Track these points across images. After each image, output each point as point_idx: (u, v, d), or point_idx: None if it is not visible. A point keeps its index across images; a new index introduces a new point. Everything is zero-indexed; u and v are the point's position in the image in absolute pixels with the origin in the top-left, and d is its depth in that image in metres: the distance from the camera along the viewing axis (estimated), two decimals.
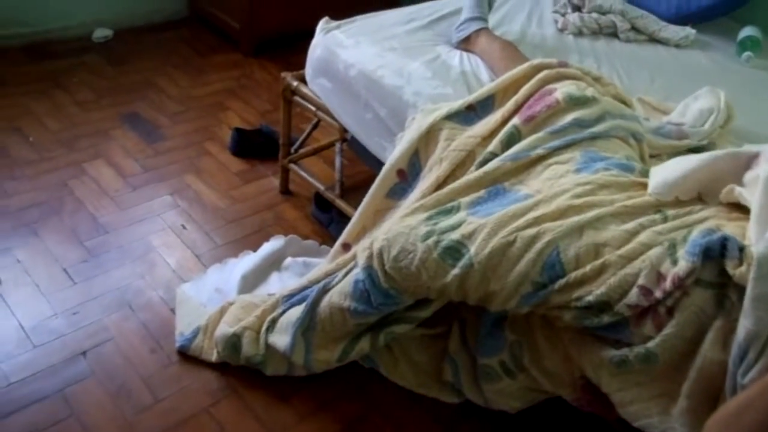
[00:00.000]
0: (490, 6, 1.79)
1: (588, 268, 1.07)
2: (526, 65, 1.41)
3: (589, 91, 1.33)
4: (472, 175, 1.28)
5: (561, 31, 1.94)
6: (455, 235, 1.17)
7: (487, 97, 1.41)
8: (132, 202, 1.89)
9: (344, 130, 1.67)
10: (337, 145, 1.81)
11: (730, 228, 1.03)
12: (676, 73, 1.79)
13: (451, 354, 1.40)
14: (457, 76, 1.58)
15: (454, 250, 1.16)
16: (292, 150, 1.94)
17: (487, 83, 1.59)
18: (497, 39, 1.69)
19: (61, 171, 1.98)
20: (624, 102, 1.39)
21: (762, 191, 1.01)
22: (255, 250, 1.74)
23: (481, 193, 1.26)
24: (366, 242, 1.32)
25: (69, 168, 2.00)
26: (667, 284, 1.00)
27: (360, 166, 1.97)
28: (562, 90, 1.32)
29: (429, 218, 1.23)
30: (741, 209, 1.09)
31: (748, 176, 1.09)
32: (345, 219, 1.80)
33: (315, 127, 1.90)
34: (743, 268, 0.93)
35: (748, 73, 1.85)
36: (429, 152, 1.42)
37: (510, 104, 1.37)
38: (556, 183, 1.20)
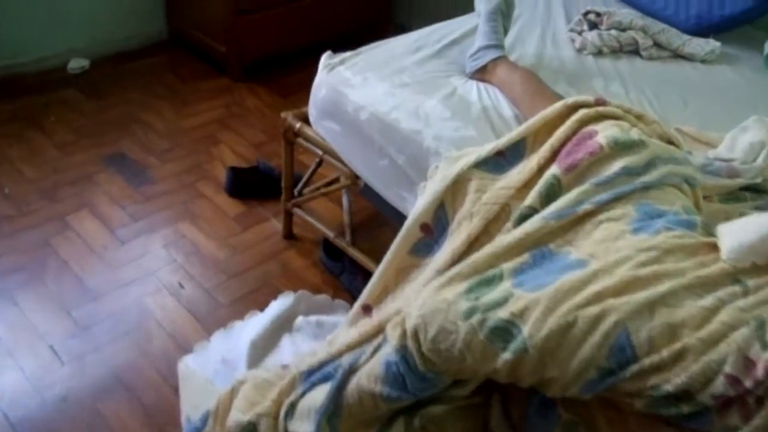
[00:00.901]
0: (506, 31, 1.65)
1: (664, 353, 0.93)
2: (559, 104, 1.26)
3: (634, 133, 1.19)
4: (511, 235, 1.13)
5: (579, 51, 1.80)
6: (503, 313, 1.03)
7: (517, 141, 1.26)
8: (122, 260, 1.73)
9: (355, 176, 1.52)
10: (344, 192, 1.66)
11: None
12: (707, 94, 1.65)
13: (493, 429, 1.25)
14: (478, 113, 1.44)
15: (504, 331, 1.02)
16: (295, 192, 1.79)
17: (510, 119, 1.45)
18: (517, 69, 1.54)
19: (43, 227, 1.81)
20: (671, 142, 1.25)
21: None
22: (262, 310, 1.59)
23: (525, 257, 1.12)
24: (396, 317, 1.17)
25: (51, 223, 1.83)
26: (759, 372, 0.86)
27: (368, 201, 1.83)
28: (604, 133, 1.18)
29: (469, 290, 1.09)
30: None
31: None
32: (358, 268, 1.66)
33: (318, 165, 1.74)
34: None
35: None
36: (456, 205, 1.27)
37: (545, 149, 1.23)
38: (612, 246, 1.06)
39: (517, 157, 1.26)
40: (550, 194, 1.17)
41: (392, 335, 1.14)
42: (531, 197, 1.18)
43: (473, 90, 1.53)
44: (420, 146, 1.35)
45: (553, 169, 1.18)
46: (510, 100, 1.51)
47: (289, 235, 1.85)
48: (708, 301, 0.95)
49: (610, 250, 1.05)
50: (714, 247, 1.04)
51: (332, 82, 1.50)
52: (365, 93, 1.45)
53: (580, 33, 1.85)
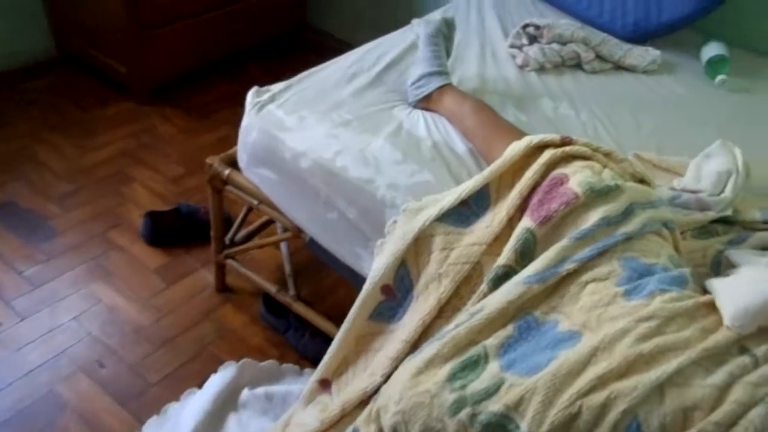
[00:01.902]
0: (448, 54, 1.51)
1: None
2: (523, 144, 1.14)
3: (607, 176, 1.09)
4: (492, 305, 1.00)
5: (521, 68, 1.70)
6: (496, 406, 0.90)
7: (481, 188, 1.14)
8: (23, 338, 1.47)
9: (298, 229, 1.35)
10: (283, 246, 1.48)
11: None
12: (657, 109, 1.59)
13: None
14: (430, 152, 1.30)
15: (499, 428, 0.89)
16: (227, 240, 1.59)
17: (464, 156, 1.32)
18: (466, 99, 1.41)
19: None
20: (642, 180, 1.17)
21: None
22: (200, 386, 1.39)
23: (509, 330, 0.99)
24: (368, 408, 1.02)
25: None
26: None
27: None
28: (577, 179, 1.07)
29: (452, 376, 0.95)
30: None
31: None
32: (305, 323, 1.49)
33: (249, 212, 1.56)
34: None
35: (728, 99, 1.70)
36: (420, 264, 1.13)
37: (514, 197, 1.11)
38: (605, 314, 0.95)
39: (482, 206, 1.14)
40: (526, 250, 1.06)
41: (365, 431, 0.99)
42: (506, 255, 1.06)
43: (420, 122, 1.39)
44: (373, 197, 1.19)
45: (526, 222, 1.07)
46: (461, 132, 1.38)
47: (222, 287, 1.65)
48: (719, 377, 0.86)
49: (604, 319, 0.95)
50: (711, 307, 0.95)
51: (264, 125, 1.31)
52: (304, 136, 1.28)
53: (520, 48, 1.75)
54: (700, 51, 1.86)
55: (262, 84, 1.41)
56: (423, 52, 1.47)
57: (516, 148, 1.15)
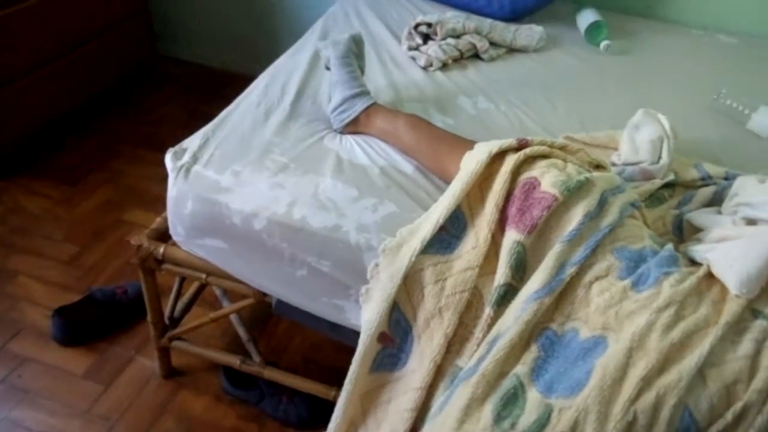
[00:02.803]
0: (362, 71, 1.44)
1: (728, 416, 0.86)
2: (483, 157, 1.10)
3: (573, 171, 1.09)
4: (509, 331, 0.97)
5: (425, 69, 1.67)
6: None
7: (456, 215, 1.10)
8: None
9: (261, 294, 1.22)
10: (234, 317, 1.35)
11: None
12: (563, 87, 1.64)
13: None
14: (381, 179, 1.23)
15: None
16: (166, 319, 1.41)
17: (414, 175, 1.27)
18: (397, 115, 1.35)
19: None
20: (599, 165, 1.19)
21: None
22: None
23: (534, 351, 0.97)
24: None
25: None
26: None
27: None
28: (548, 181, 1.05)
29: (498, 417, 0.91)
30: None
31: None
32: (279, 387, 1.38)
33: (183, 281, 1.39)
34: None
35: (616, 62, 1.79)
36: (415, 302, 1.07)
37: (491, 212, 1.07)
38: (620, 312, 0.95)
39: (460, 227, 1.10)
40: (519, 264, 1.03)
41: None
42: (503, 273, 1.02)
43: (356, 149, 1.31)
44: (346, 245, 1.10)
45: (514, 235, 1.04)
46: (400, 150, 1.32)
47: (169, 372, 1.47)
48: (747, 347, 0.90)
49: (622, 317, 0.95)
50: (710, 278, 0.99)
51: (198, 191, 1.16)
52: (247, 194, 1.15)
53: (417, 48, 1.72)
54: (575, 20, 1.95)
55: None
56: (338, 74, 1.38)
57: (477, 160, 1.11)
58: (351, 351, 1.08)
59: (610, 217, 1.04)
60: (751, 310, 0.93)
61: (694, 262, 1.06)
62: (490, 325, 1.03)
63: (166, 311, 1.41)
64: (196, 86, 2.69)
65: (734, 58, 1.87)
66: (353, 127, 1.37)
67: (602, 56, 1.82)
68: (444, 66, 1.69)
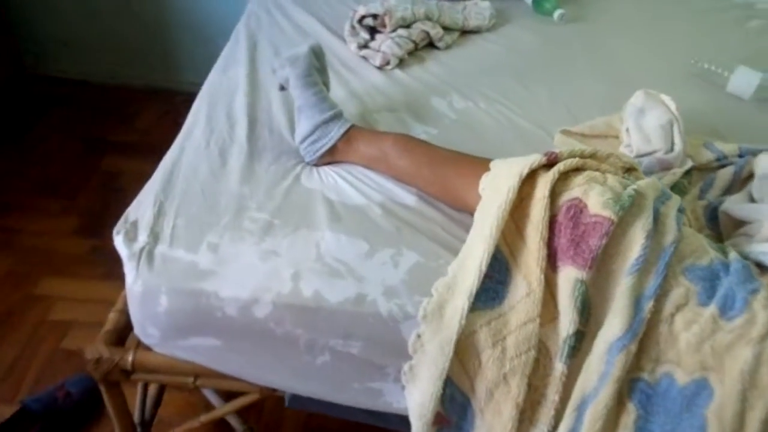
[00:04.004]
0: (327, 87, 1.21)
1: None
2: (512, 180, 0.93)
3: (615, 183, 0.94)
4: (600, 394, 0.83)
5: (381, 68, 1.47)
6: None
7: (496, 256, 0.92)
8: None
9: (270, 389, 0.99)
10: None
11: None
12: (535, 69, 1.49)
13: None
14: (386, 221, 1.03)
15: None
16: (138, 426, 1.14)
17: (419, 206, 1.08)
18: (382, 137, 1.15)
19: None
20: (633, 167, 1.05)
21: None
22: None
23: (631, 411, 0.83)
24: None
25: None
26: None
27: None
28: (596, 201, 0.89)
29: None
30: None
31: None
32: None
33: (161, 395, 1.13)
34: None
35: (574, 31, 1.67)
36: (471, 372, 0.90)
37: (538, 248, 0.90)
38: (717, 346, 0.82)
39: (503, 271, 0.93)
40: (584, 305, 0.88)
41: None
42: (570, 320, 0.87)
43: (341, 185, 1.10)
44: (376, 318, 0.90)
45: (572, 272, 0.88)
46: (392, 177, 1.13)
47: None
48: None
49: (719, 352, 0.83)
50: None
51: (172, 282, 0.90)
52: (237, 274, 0.91)
53: (367, 46, 1.50)
54: None
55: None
56: (303, 97, 1.15)
57: (507, 187, 0.94)
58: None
59: (670, 233, 0.91)
60: None
61: (759, 265, 0.96)
62: (566, 384, 0.88)
63: (135, 415, 1.15)
64: (84, 107, 2.30)
65: (702, 20, 1.80)
66: (330, 157, 1.15)
67: (559, 27, 1.69)
68: (401, 62, 1.49)
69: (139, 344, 1.00)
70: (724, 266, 0.91)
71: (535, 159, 0.96)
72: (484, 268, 0.90)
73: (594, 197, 0.91)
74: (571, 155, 0.98)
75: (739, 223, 1.07)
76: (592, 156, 1.01)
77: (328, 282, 0.91)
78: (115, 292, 1.06)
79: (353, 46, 1.50)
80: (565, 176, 0.95)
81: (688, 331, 0.85)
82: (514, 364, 0.88)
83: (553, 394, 0.88)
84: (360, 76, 1.44)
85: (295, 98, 1.16)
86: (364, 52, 1.49)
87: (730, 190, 1.16)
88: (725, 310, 0.85)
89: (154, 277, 0.91)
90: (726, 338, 0.83)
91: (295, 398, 0.99)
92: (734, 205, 1.08)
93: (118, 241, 0.94)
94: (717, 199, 1.13)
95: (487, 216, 0.95)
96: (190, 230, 0.97)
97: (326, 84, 1.21)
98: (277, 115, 1.27)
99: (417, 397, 0.90)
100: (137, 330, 0.96)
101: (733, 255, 0.93)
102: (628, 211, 0.89)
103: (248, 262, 0.93)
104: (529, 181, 0.95)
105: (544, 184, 0.93)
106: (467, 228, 1.00)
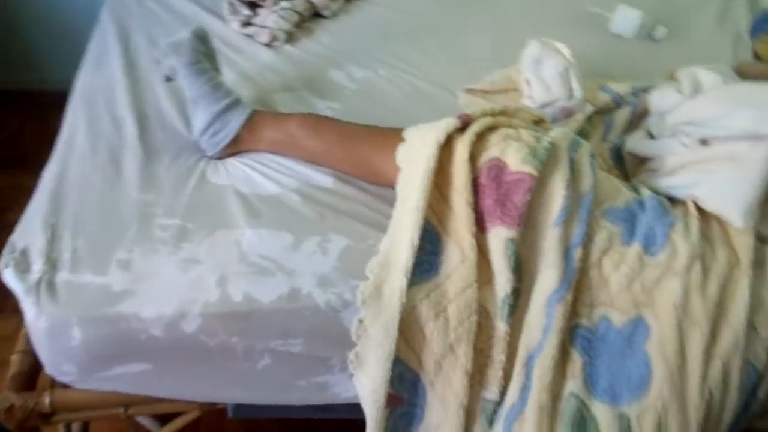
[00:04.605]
0: (218, 73, 1.12)
1: None
2: (430, 148, 0.91)
3: (528, 138, 0.95)
4: (545, 347, 0.84)
5: (269, 45, 1.39)
6: None
7: (425, 227, 0.90)
8: None
9: (210, 404, 0.92)
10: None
11: None
12: (425, 30, 1.47)
13: None
14: (306, 208, 0.98)
15: None
16: None
17: (336, 186, 1.04)
18: (286, 118, 1.09)
19: None
20: (541, 119, 1.06)
21: None
22: None
23: (576, 358, 0.85)
24: None
25: None
26: None
27: None
28: (514, 158, 0.89)
29: None
30: None
31: None
32: None
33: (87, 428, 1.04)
34: None
35: None
36: (416, 347, 0.89)
37: (464, 212, 0.90)
38: (646, 283, 0.86)
39: (434, 241, 0.92)
40: (518, 263, 0.89)
41: None
42: (506, 279, 0.88)
43: (251, 175, 1.04)
44: (314, 311, 0.86)
45: (502, 232, 0.88)
46: (304, 160, 1.07)
47: None
48: None
49: (649, 288, 0.87)
50: (702, 214, 0.94)
51: (82, 311, 0.81)
52: (156, 290, 0.83)
53: (250, 23, 1.42)
54: None
55: None
56: (195, 87, 1.06)
57: (426, 155, 0.92)
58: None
59: (587, 179, 0.93)
60: (759, 238, 0.91)
61: (670, 199, 1.00)
62: (510, 343, 0.89)
63: None
64: None
65: None
66: (234, 148, 1.08)
67: None
68: (289, 36, 1.42)
69: (54, 383, 0.90)
70: (640, 204, 0.94)
71: (450, 123, 0.94)
72: (416, 242, 0.88)
73: (512, 154, 0.91)
74: (483, 114, 0.97)
75: (643, 160, 1.12)
76: (503, 113, 1.01)
77: (258, 282, 0.86)
78: (10, 327, 0.95)
79: (235, 25, 1.41)
80: (480, 137, 0.94)
81: (617, 272, 0.88)
82: (459, 332, 0.87)
83: (498, 355, 0.89)
84: (248, 56, 1.35)
85: (187, 89, 1.07)
86: (248, 29, 1.40)
87: (629, 129, 1.21)
88: (648, 246, 0.89)
89: (60, 309, 0.81)
90: (653, 273, 0.87)
91: (239, 407, 0.94)
92: (637, 143, 1.13)
93: (8, 275, 0.83)
94: (619, 139, 1.17)
95: (410, 187, 0.93)
96: (94, 250, 0.88)
97: (217, 69, 1.12)
98: (167, 110, 1.17)
99: (367, 382, 0.87)
100: (49, 369, 0.87)
101: (646, 192, 0.97)
102: (546, 163, 0.90)
103: (167, 275, 0.85)
104: (446, 146, 0.93)
105: (462, 147, 0.92)
106: (391, 203, 0.97)
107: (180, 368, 0.87)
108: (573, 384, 0.83)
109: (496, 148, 0.93)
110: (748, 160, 0.91)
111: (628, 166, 1.14)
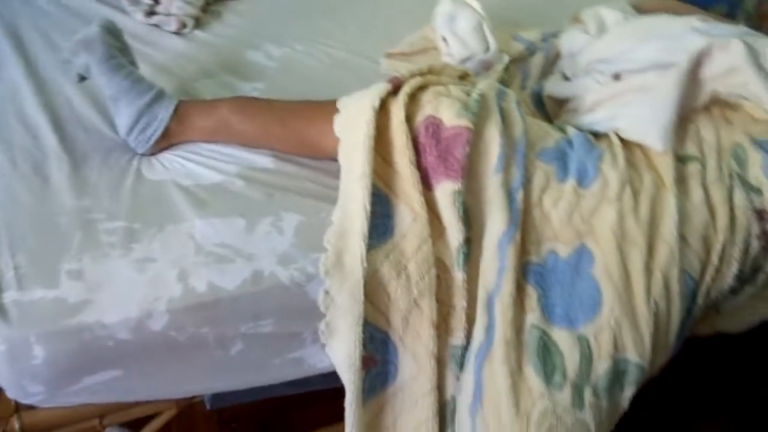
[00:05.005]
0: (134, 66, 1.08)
1: (715, 260, 0.93)
2: (366, 114, 0.93)
3: (458, 93, 0.98)
4: (502, 284, 0.89)
5: (178, 33, 1.34)
6: (603, 365, 0.86)
7: (374, 192, 0.92)
8: None
9: (187, 399, 0.92)
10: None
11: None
12: (333, 2, 1.47)
13: None
14: (252, 191, 0.97)
15: (617, 377, 0.86)
16: None
17: (276, 167, 1.04)
18: (214, 104, 1.07)
19: None
20: (465, 73, 1.09)
21: None
22: None
23: (531, 292, 0.91)
24: None
25: None
26: None
27: None
28: (449, 113, 0.93)
29: (546, 376, 0.85)
30: None
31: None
32: None
33: None
34: None
35: None
36: (382, 308, 0.92)
37: (408, 172, 0.92)
38: (584, 214, 0.93)
39: (385, 204, 0.94)
40: (466, 213, 0.93)
41: None
42: (458, 230, 0.92)
43: (188, 167, 1.02)
44: (280, 289, 0.87)
45: (448, 186, 0.92)
46: (240, 144, 1.06)
47: None
48: (697, 194, 0.96)
49: (587, 218, 0.94)
50: (624, 144, 1.01)
51: (40, 328, 0.77)
52: (116, 294, 0.81)
53: (154, 12, 1.36)
54: None
55: None
56: (113, 84, 1.02)
57: (365, 121, 0.93)
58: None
59: (518, 125, 0.98)
60: (678, 159, 0.99)
61: (593, 134, 1.07)
62: (469, 289, 0.94)
63: None
64: None
65: None
66: (165, 142, 1.05)
67: None
68: (197, 22, 1.38)
69: (18, 406, 0.87)
70: (568, 143, 1.00)
71: (382, 88, 0.96)
72: (368, 207, 0.90)
73: (446, 110, 0.94)
74: (412, 75, 1.00)
75: (562, 102, 1.18)
76: (430, 71, 1.04)
77: (219, 270, 0.86)
78: None
79: (139, 16, 1.35)
80: (412, 97, 0.97)
81: (557, 207, 0.94)
82: (421, 286, 0.91)
83: (460, 302, 0.93)
84: (159, 46, 1.30)
85: (105, 87, 1.03)
86: (153, 19, 1.35)
87: (545, 74, 1.27)
88: (581, 179, 0.95)
89: (15, 329, 0.78)
90: (589, 204, 0.94)
91: (216, 397, 0.94)
92: (554, 86, 1.19)
93: None
94: (537, 85, 1.23)
95: (353, 156, 0.95)
96: (39, 265, 0.84)
97: (133, 63, 1.08)
98: (83, 111, 1.11)
99: (340, 349, 0.90)
100: (12, 393, 0.83)
101: (571, 131, 1.03)
102: (478, 115, 0.94)
103: (124, 278, 0.83)
104: (381, 111, 0.95)
105: (397, 109, 0.95)
106: (334, 175, 0.99)
107: (152, 368, 0.85)
108: (532, 316, 0.89)
109: (429, 106, 0.96)
110: (658, 88, 0.99)
111: (549, 110, 1.21)
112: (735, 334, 1.13)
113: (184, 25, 1.34)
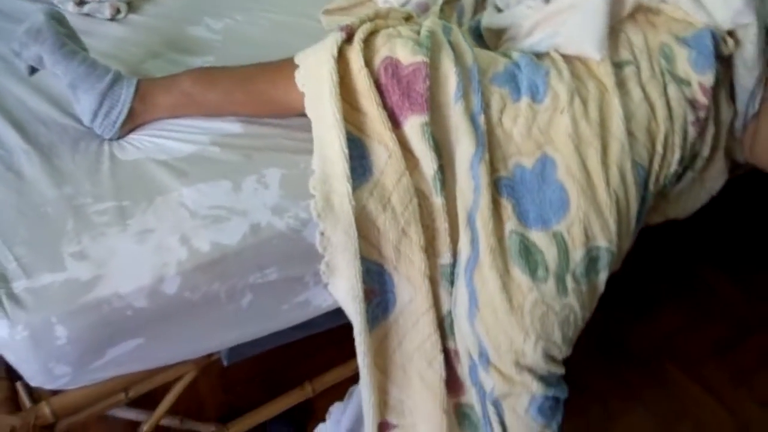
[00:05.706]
0: (85, 50, 1.08)
1: (660, 148, 1.04)
2: (327, 64, 0.97)
3: (407, 32, 1.04)
4: (480, 202, 0.97)
5: (113, 19, 1.33)
6: (579, 253, 0.96)
7: (348, 137, 0.97)
8: None
9: (205, 358, 0.95)
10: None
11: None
12: None
13: None
14: (230, 154, 1.01)
15: (592, 263, 0.97)
16: None
17: (248, 129, 1.07)
18: (175, 79, 1.07)
19: None
20: (409, 15, 1.15)
21: None
22: None
23: (506, 204, 0.99)
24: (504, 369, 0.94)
25: None
26: (701, 99, 1.07)
27: None
28: (404, 52, 0.98)
29: (531, 273, 0.95)
30: None
31: None
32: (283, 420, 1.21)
33: None
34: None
35: None
36: (374, 240, 0.99)
37: (378, 115, 0.97)
38: (542, 126, 1.02)
39: (360, 147, 1.00)
40: (436, 143, 1.00)
41: (521, 385, 0.94)
42: (431, 158, 0.99)
43: (164, 144, 1.03)
44: (279, 236, 0.91)
45: (416, 120, 0.99)
46: (206, 114, 1.09)
47: None
48: (637, 93, 1.06)
49: (545, 130, 1.03)
50: (568, 59, 1.09)
51: (59, 309, 0.79)
52: (126, 264, 0.84)
53: (84, 1, 1.34)
54: None
55: None
56: (70, 71, 1.02)
57: (327, 71, 0.98)
58: None
59: (468, 55, 1.05)
60: (617, 64, 1.09)
61: (536, 55, 1.15)
62: (448, 212, 1.01)
63: None
64: None
65: None
66: (131, 123, 1.06)
67: None
68: (130, 6, 1.37)
69: (41, 393, 0.89)
70: (516, 65, 1.08)
71: (338, 36, 1.01)
72: (346, 150, 0.96)
73: (401, 50, 1.00)
74: (362, 22, 1.05)
75: (500, 33, 1.26)
76: (377, 16, 1.09)
77: (218, 230, 0.90)
78: None
79: (70, 6, 1.33)
80: (366, 43, 1.02)
81: (516, 125, 1.02)
82: (406, 216, 0.98)
83: (442, 224, 1.01)
84: (98, 35, 1.29)
85: (61, 75, 1.02)
86: (85, 8, 1.32)
87: (478, 10, 1.35)
88: (534, 96, 1.04)
89: (35, 314, 0.80)
90: (545, 117, 1.03)
91: (232, 352, 0.99)
92: (490, 19, 1.27)
93: None
94: (473, 21, 1.31)
95: (321, 107, 0.99)
96: (39, 253, 0.85)
97: (85, 49, 1.08)
98: (37, 105, 1.10)
99: (342, 285, 0.96)
100: (39, 380, 0.84)
101: (515, 54, 1.11)
102: (431, 49, 1.01)
103: (129, 250, 0.86)
104: (339, 59, 1.00)
105: (355, 56, 0.99)
106: (303, 128, 1.03)
107: (172, 331, 0.89)
108: (510, 224, 0.97)
109: (385, 48, 1.01)
110: (588, 4, 1.08)
111: (488, 42, 1.28)
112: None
113: (118, 11, 1.33)
